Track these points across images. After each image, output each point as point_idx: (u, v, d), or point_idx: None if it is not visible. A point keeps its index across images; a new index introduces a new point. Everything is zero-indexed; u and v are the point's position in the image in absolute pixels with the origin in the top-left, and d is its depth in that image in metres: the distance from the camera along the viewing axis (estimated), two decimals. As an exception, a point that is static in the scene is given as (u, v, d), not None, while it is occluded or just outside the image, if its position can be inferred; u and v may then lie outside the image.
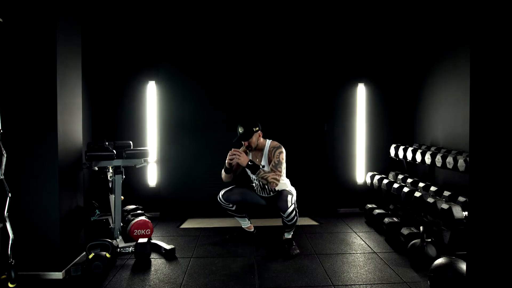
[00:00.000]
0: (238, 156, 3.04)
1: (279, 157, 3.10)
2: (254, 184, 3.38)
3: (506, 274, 1.47)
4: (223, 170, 3.28)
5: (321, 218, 4.29)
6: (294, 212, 3.10)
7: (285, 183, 3.25)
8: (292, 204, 3.08)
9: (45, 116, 2.64)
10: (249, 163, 3.06)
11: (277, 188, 3.21)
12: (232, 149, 3.12)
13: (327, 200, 4.54)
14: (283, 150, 3.15)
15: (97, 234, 3.48)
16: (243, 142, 3.19)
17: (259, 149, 3.24)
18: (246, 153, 3.33)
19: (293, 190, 3.25)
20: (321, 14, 4.46)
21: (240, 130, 3.12)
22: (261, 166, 3.18)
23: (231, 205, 3.35)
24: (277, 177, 3.05)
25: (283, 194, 3.10)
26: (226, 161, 3.14)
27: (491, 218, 1.56)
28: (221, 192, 3.36)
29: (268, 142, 3.23)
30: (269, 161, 3.17)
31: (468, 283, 1.72)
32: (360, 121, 4.56)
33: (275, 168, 3.07)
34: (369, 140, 4.59)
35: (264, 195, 3.35)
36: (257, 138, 3.19)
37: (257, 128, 3.16)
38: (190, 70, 4.42)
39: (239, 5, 4.40)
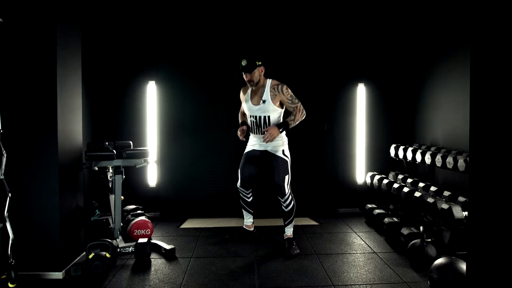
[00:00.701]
0: (272, 134, 3.01)
1: (289, 93, 3.14)
2: (249, 122, 3.29)
3: (506, 274, 1.47)
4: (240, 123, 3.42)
5: (321, 218, 4.29)
6: (290, 196, 3.20)
7: (282, 139, 3.22)
8: (288, 190, 3.18)
9: (45, 116, 2.64)
10: (280, 131, 3.07)
11: (273, 142, 3.16)
12: (265, 130, 3.06)
13: (327, 200, 4.54)
14: (286, 85, 3.16)
15: (97, 234, 3.48)
16: (245, 75, 3.13)
17: (260, 87, 3.19)
18: (245, 92, 3.30)
19: (287, 153, 3.24)
20: (321, 14, 4.46)
21: (243, 62, 3.09)
22: (262, 102, 3.13)
23: (249, 195, 3.44)
24: (301, 110, 3.16)
25: (279, 168, 3.14)
26: (240, 135, 3.24)
27: (491, 218, 1.56)
28: (238, 183, 3.44)
29: (269, 80, 3.20)
30: (272, 97, 3.12)
31: (468, 283, 1.72)
32: (360, 121, 4.56)
33: (293, 104, 3.13)
34: (369, 140, 4.59)
35: (258, 133, 3.25)
36: (260, 73, 3.14)
37: (260, 63, 3.13)
38: (190, 70, 4.42)
39: (239, 5, 4.39)
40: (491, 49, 1.56)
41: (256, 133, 3.27)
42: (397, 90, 4.58)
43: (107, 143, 3.16)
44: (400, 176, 3.91)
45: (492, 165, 1.54)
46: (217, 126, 4.43)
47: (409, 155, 3.83)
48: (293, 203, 3.23)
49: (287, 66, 4.46)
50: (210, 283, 2.57)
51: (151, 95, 4.41)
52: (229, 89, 4.41)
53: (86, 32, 3.70)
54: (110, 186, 3.24)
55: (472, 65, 1.67)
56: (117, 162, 3.13)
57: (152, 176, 4.44)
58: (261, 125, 3.20)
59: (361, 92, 4.55)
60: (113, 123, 4.40)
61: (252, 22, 4.44)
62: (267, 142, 3.07)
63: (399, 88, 4.58)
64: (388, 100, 4.60)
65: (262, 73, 3.19)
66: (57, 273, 2.66)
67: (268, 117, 3.15)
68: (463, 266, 2.22)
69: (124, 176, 3.22)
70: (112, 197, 3.22)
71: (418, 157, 3.63)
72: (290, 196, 3.21)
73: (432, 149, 3.65)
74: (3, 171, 2.32)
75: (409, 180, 3.69)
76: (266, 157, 3.26)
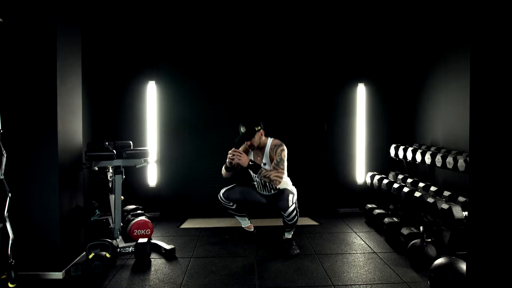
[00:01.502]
0: (239, 157, 3.04)
1: (281, 155, 3.10)
2: (255, 182, 3.38)
3: (506, 274, 1.47)
4: (223, 167, 3.29)
5: (321, 218, 4.29)
6: (295, 211, 3.10)
7: (286, 182, 3.25)
8: (293, 203, 3.07)
9: (45, 116, 2.64)
10: (250, 163, 3.06)
11: (278, 187, 3.20)
12: (233, 148, 3.11)
13: (327, 200, 4.54)
14: (285, 148, 3.15)
15: (97, 234, 3.48)
16: (245, 142, 3.18)
17: (261, 147, 3.23)
18: (247, 152, 3.32)
19: (294, 189, 3.25)
20: (321, 14, 4.46)
21: (242, 129, 3.11)
22: (262, 165, 3.18)
23: (231, 204, 3.37)
24: (280, 175, 3.06)
25: (284, 193, 3.10)
26: (227, 160, 3.14)
27: (491, 218, 1.56)
28: (222, 191, 3.37)
29: (270, 140, 3.23)
30: (271, 160, 3.16)
31: (468, 283, 1.72)
32: (360, 121, 4.56)
33: (277, 166, 3.08)
34: (369, 140, 4.59)
35: (265, 193, 3.35)
36: (259, 137, 3.18)
37: (259, 127, 3.15)
38: (190, 70, 4.42)
39: (239, 5, 4.39)
40: (491, 49, 1.56)
41: (262, 191, 3.37)
42: (397, 90, 4.58)
43: (107, 143, 3.16)
44: (400, 176, 3.91)
45: (492, 165, 1.54)
46: (217, 126, 4.43)
47: (409, 155, 3.83)
48: (297, 217, 3.14)
49: (288, 66, 4.46)
50: (210, 283, 2.57)
51: (151, 95, 4.41)
52: (229, 89, 4.42)
53: (86, 32, 3.70)
54: (110, 186, 3.24)
55: (472, 65, 1.67)
56: (117, 162, 3.13)
57: (152, 176, 4.44)
58: (267, 185, 3.28)
59: (361, 92, 4.55)
60: (113, 123, 4.40)
61: (252, 22, 4.44)
62: (230, 157, 3.06)
63: (399, 88, 4.58)
64: (388, 100, 4.60)
65: (262, 136, 3.20)
66: (57, 273, 2.66)
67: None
68: (463, 266, 2.22)
69: (124, 176, 3.22)
70: (112, 197, 3.22)
71: (418, 157, 3.63)
72: (295, 212, 3.10)
73: (432, 149, 3.65)
74: (3, 171, 2.31)
75: (409, 180, 3.69)
76: (272, 196, 3.33)
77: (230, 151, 3.09)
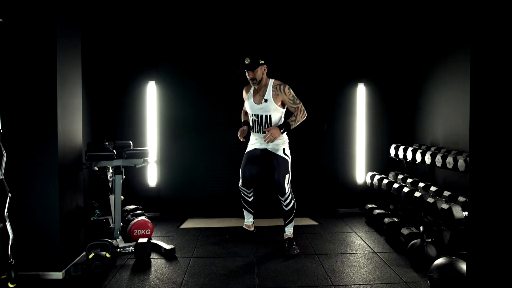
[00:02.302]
0: (273, 134, 3.04)
1: (290, 93, 3.14)
2: (250, 120, 3.29)
3: (506, 274, 1.47)
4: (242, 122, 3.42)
5: (321, 218, 4.29)
6: (290, 195, 3.21)
7: (283, 138, 3.23)
8: (288, 189, 3.19)
9: (45, 116, 2.64)
10: (281, 131, 3.08)
11: (275, 142, 3.17)
12: (265, 130, 3.07)
13: (327, 200, 4.54)
14: (288, 86, 3.16)
15: (97, 234, 3.48)
16: (248, 73, 3.13)
17: (262, 86, 3.20)
18: (248, 91, 3.31)
19: (288, 152, 3.25)
20: (321, 14, 4.46)
21: (246, 60, 3.09)
22: (263, 101, 3.14)
23: (250, 194, 3.46)
24: (303, 111, 3.16)
25: (280, 167, 3.16)
26: (241, 136, 3.26)
27: (491, 218, 1.56)
28: (239, 183, 3.44)
29: (271, 80, 3.21)
30: (273, 97, 3.13)
31: (468, 283, 1.72)
32: (360, 121, 4.56)
33: (294, 104, 3.14)
34: (369, 140, 4.59)
35: (259, 132, 3.25)
36: (262, 72, 3.15)
37: (263, 61, 3.14)
38: (190, 70, 4.42)
39: (240, 5, 4.39)
40: (491, 49, 1.56)
41: (257, 132, 3.26)
42: (397, 90, 4.58)
43: (107, 143, 3.16)
44: (400, 176, 3.91)
45: (492, 165, 1.54)
46: (217, 126, 4.43)
47: (409, 155, 3.83)
48: (293, 202, 3.23)
49: (288, 66, 4.45)
50: (210, 283, 2.57)
51: (151, 95, 4.41)
52: (229, 89, 4.42)
53: (86, 32, 3.70)
54: (110, 186, 3.24)
55: (472, 65, 1.68)
56: (117, 162, 3.13)
57: (152, 176, 4.44)
58: (263, 124, 3.21)
59: (361, 92, 4.55)
60: (113, 123, 4.40)
61: (252, 22, 4.44)
62: (267, 142, 3.08)
63: (399, 88, 4.58)
64: (388, 100, 4.59)
65: (265, 72, 3.19)
66: (57, 273, 2.66)
67: (270, 116, 3.15)
68: (463, 266, 2.22)
69: (124, 176, 3.22)
70: (112, 197, 3.22)
71: (418, 157, 3.63)
72: (291, 195, 3.21)
73: (432, 149, 3.65)
74: (3, 171, 2.31)
75: (409, 180, 3.69)
76: (267, 156, 3.26)
77: (266, 134, 3.05)
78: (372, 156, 4.59)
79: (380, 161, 4.59)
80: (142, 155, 3.21)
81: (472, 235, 1.67)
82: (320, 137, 4.51)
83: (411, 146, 3.94)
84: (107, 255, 2.74)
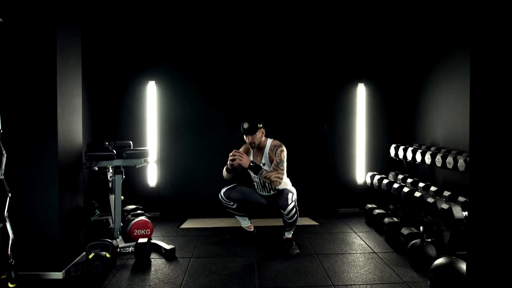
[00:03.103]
0: (240, 158, 3.05)
1: (280, 156, 3.11)
2: (255, 183, 3.38)
3: (506, 274, 1.47)
4: (224, 169, 3.29)
5: (321, 218, 4.29)
6: (294, 209, 3.10)
7: (285, 182, 3.25)
8: (292, 201, 3.08)
9: (45, 116, 2.64)
10: (250, 164, 3.06)
11: (278, 187, 3.21)
12: (234, 150, 3.12)
13: (327, 200, 4.54)
14: (284, 149, 3.16)
15: (97, 234, 3.48)
16: (247, 138, 3.17)
17: (260, 148, 3.25)
18: (248, 153, 3.33)
19: (293, 189, 3.26)
20: (321, 14, 4.46)
21: (245, 125, 3.12)
22: (261, 165, 3.19)
23: (232, 203, 3.37)
24: (280, 176, 3.07)
25: (283, 192, 3.11)
26: (228, 162, 3.14)
27: (491, 218, 1.56)
28: (223, 190, 3.38)
29: (269, 141, 3.25)
30: (270, 160, 3.17)
31: (468, 283, 1.72)
32: (360, 121, 4.56)
33: (277, 167, 3.09)
34: (369, 140, 4.59)
35: (264, 193, 3.36)
36: (261, 135, 3.20)
37: (261, 125, 3.18)
38: (190, 70, 4.42)
39: (240, 5, 4.39)
40: (491, 49, 1.56)
41: (262, 192, 3.38)
42: (397, 90, 4.58)
43: (107, 143, 3.16)
44: (400, 176, 3.91)
45: (492, 165, 1.54)
46: (217, 126, 4.43)
47: (409, 155, 3.83)
48: (297, 216, 3.14)
49: (288, 66, 4.46)
50: (210, 283, 2.57)
51: (151, 95, 4.41)
52: (229, 88, 4.42)
53: (86, 32, 3.70)
54: (110, 186, 3.24)
55: (472, 65, 1.67)
56: (117, 162, 3.13)
57: (152, 176, 4.44)
58: (266, 185, 3.30)
59: (361, 92, 4.55)
60: (113, 123, 4.40)
61: (252, 22, 4.44)
62: (231, 158, 3.06)
63: (399, 88, 4.58)
64: (388, 100, 4.60)
65: (263, 135, 3.23)
66: (57, 273, 2.66)
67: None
68: (463, 266, 2.22)
69: (124, 176, 3.22)
70: (112, 197, 3.22)
71: (418, 157, 3.63)
72: (294, 209, 3.10)
73: (432, 149, 3.65)
74: (3, 171, 2.31)
75: (409, 180, 3.69)
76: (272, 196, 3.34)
77: (231, 153, 3.09)
78: (372, 156, 4.59)
79: (380, 161, 4.59)
80: (142, 155, 3.21)
81: (472, 235, 1.67)
82: (320, 137, 4.51)
83: (411, 146, 3.94)
84: (107, 255, 2.74)
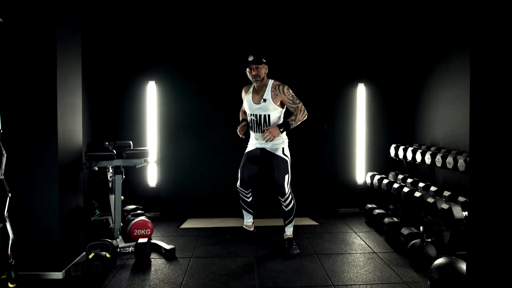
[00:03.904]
0: (271, 134, 3.04)
1: (290, 93, 3.15)
2: (249, 120, 3.29)
3: (506, 274, 1.47)
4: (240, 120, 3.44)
5: (321, 218, 4.29)
6: (290, 196, 3.20)
7: (282, 138, 3.23)
8: (288, 189, 3.18)
9: (45, 116, 2.64)
10: (281, 130, 3.08)
11: (273, 141, 3.17)
12: (265, 129, 3.08)
13: (327, 200, 4.54)
14: (288, 86, 3.18)
15: (97, 234, 3.48)
16: (252, 70, 3.12)
17: (262, 86, 3.21)
18: (246, 93, 3.32)
19: (287, 153, 3.25)
20: (321, 14, 4.46)
21: (250, 58, 3.11)
22: (262, 101, 3.14)
23: (249, 195, 3.45)
24: (302, 110, 3.15)
25: (280, 168, 3.16)
26: (240, 133, 3.29)
27: (491, 218, 1.56)
28: (237, 183, 3.45)
29: (271, 81, 3.22)
30: (273, 96, 3.13)
31: (468, 283, 1.72)
32: (360, 121, 4.56)
33: (294, 104, 3.14)
34: (369, 140, 4.59)
35: (258, 132, 3.26)
36: (264, 71, 3.19)
37: (265, 61, 3.17)
38: (190, 70, 4.42)
39: (240, 5, 4.39)
40: (491, 49, 1.56)
41: (256, 132, 3.27)
42: (397, 90, 4.58)
43: (107, 143, 3.16)
44: (400, 176, 3.91)
45: (492, 165, 1.54)
46: (217, 126, 4.43)
47: (409, 155, 3.83)
48: (293, 203, 3.23)
49: (288, 66, 4.45)
50: (210, 283, 2.57)
51: (151, 95, 4.41)
52: (229, 89, 4.42)
53: (86, 32, 3.70)
54: (110, 186, 3.24)
55: (472, 65, 1.67)
56: (117, 162, 3.13)
57: (152, 176, 4.44)
58: (261, 124, 3.21)
59: (361, 92, 4.55)
60: (113, 123, 4.40)
61: (252, 22, 4.44)
62: (266, 141, 3.08)
63: (399, 88, 4.58)
64: (388, 100, 4.59)
65: (266, 72, 3.21)
66: (57, 273, 2.66)
67: (269, 116, 3.15)
68: (463, 266, 2.22)
69: (124, 176, 3.22)
70: (112, 197, 3.22)
71: (418, 157, 3.63)
72: (290, 196, 3.21)
73: (432, 149, 3.65)
74: (3, 171, 2.31)
75: (409, 180, 3.69)
76: (266, 156, 3.26)
77: (265, 133, 3.05)
78: (372, 156, 4.59)
79: (380, 161, 4.59)
80: (142, 155, 3.21)
81: (472, 235, 1.67)
82: (320, 137, 4.51)
83: (411, 146, 3.94)
84: (107, 255, 2.74)
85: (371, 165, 4.58)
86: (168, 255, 3.09)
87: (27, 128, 2.63)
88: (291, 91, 3.15)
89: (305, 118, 3.19)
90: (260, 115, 3.17)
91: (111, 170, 3.20)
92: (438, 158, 3.28)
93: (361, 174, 4.58)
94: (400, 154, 4.03)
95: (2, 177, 2.31)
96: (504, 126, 1.47)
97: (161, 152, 4.41)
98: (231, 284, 2.56)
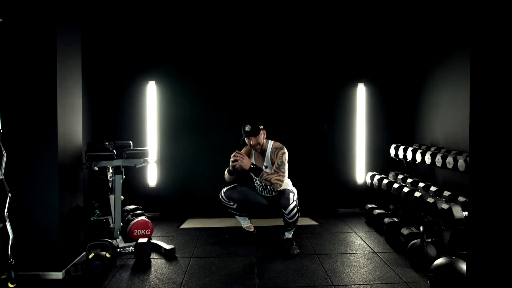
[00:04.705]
0: (242, 159, 3.04)
1: (281, 158, 3.11)
2: (256, 184, 3.38)
3: (506, 274, 1.47)
4: (226, 171, 3.28)
5: (321, 218, 4.29)
6: (295, 209, 3.09)
7: (287, 183, 3.25)
8: (293, 201, 3.07)
9: (45, 116, 2.64)
10: (251, 166, 3.06)
11: (279, 189, 3.20)
12: (235, 151, 3.10)
13: (327, 200, 4.54)
14: (286, 151, 3.16)
15: (97, 234, 3.48)
16: (250, 140, 3.15)
17: (262, 151, 3.25)
18: (249, 155, 3.32)
19: (294, 189, 3.25)
20: (321, 14, 4.46)
21: (247, 128, 3.11)
22: (263, 168, 3.18)
23: (232, 203, 3.37)
24: (281, 178, 3.07)
25: (285, 192, 3.10)
26: (230, 164, 3.14)
27: (491, 218, 1.56)
28: (223, 190, 3.37)
29: (271, 142, 3.24)
30: (272, 162, 3.17)
31: (468, 283, 1.72)
32: (360, 121, 4.56)
33: (279, 169, 3.09)
34: (369, 140, 4.59)
35: (266, 194, 3.36)
36: (263, 137, 3.20)
37: (262, 127, 3.18)
38: (190, 70, 4.42)
39: (240, 5, 4.39)
40: (491, 49, 1.56)
41: (263, 193, 3.37)
42: (397, 90, 4.58)
43: (107, 143, 3.16)
44: (400, 176, 3.91)
45: (492, 165, 1.54)
46: (217, 126, 4.43)
47: (409, 155, 3.83)
48: (298, 216, 3.13)
49: (288, 66, 4.46)
50: (210, 283, 2.57)
51: (151, 95, 4.41)
52: (229, 89, 4.42)
53: (86, 32, 3.70)
54: (110, 186, 3.24)
55: (472, 65, 1.67)
56: (117, 162, 3.13)
57: (152, 176, 4.44)
58: (267, 187, 3.29)
59: (361, 92, 4.55)
60: (113, 123, 4.40)
61: (252, 22, 4.44)
62: (232, 159, 3.05)
63: (399, 88, 4.58)
64: (388, 100, 4.60)
65: (264, 137, 3.22)
66: (57, 273, 2.66)
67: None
68: (463, 266, 2.22)
69: (124, 176, 3.22)
70: (112, 197, 3.22)
71: (418, 157, 3.63)
72: (295, 209, 3.09)
73: (432, 149, 3.65)
74: (3, 171, 2.31)
75: (409, 180, 3.69)
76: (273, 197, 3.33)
77: (232, 154, 3.09)
78: (372, 156, 4.59)
79: (380, 161, 4.59)
80: (142, 155, 3.21)
81: (472, 235, 1.67)
82: (320, 137, 4.51)
83: (411, 146, 3.94)
84: (107, 255, 2.74)
85: (371, 165, 4.58)
86: (168, 255, 3.09)
87: (27, 128, 2.63)
88: (285, 157, 3.13)
89: (275, 186, 3.07)
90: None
91: (111, 170, 3.20)
92: (438, 158, 3.28)
93: (361, 174, 4.58)
94: (400, 154, 4.03)
95: (2, 177, 2.31)
96: (504, 126, 1.47)
97: (161, 152, 4.41)
98: (231, 284, 2.56)
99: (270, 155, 3.19)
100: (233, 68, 4.44)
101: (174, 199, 4.44)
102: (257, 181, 3.32)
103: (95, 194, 4.14)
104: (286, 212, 3.07)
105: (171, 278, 2.67)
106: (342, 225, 4.01)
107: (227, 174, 3.27)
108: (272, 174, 3.08)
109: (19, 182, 2.62)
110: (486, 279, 1.60)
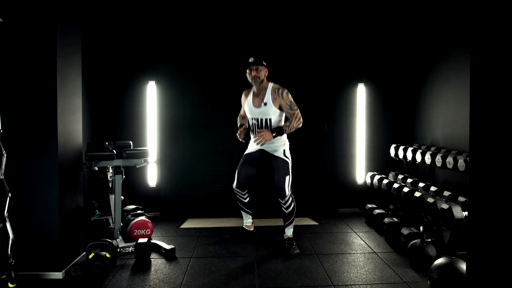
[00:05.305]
0: (264, 137, 3.03)
1: (288, 98, 3.14)
2: (250, 123, 3.30)
3: (506, 274, 1.47)
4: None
5: (321, 218, 4.29)
6: (290, 198, 3.17)
7: (284, 141, 3.24)
8: (288, 186, 3.15)
9: (45, 116, 2.64)
10: (273, 135, 3.07)
11: (274, 143, 3.18)
12: (257, 132, 3.13)
13: (327, 200, 4.54)
14: (287, 90, 3.17)
15: (97, 234, 3.48)
16: (252, 71, 3.14)
17: (262, 89, 3.21)
18: (247, 96, 3.33)
19: (288, 155, 3.23)
20: (321, 14, 4.46)
21: (251, 59, 3.13)
22: (263, 105, 3.14)
23: (245, 196, 3.43)
24: (298, 117, 3.12)
25: (280, 169, 3.13)
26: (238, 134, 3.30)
27: (491, 218, 1.56)
28: (234, 184, 3.42)
29: (271, 84, 3.23)
30: (273, 100, 3.14)
31: (468, 283, 1.72)
32: (360, 121, 4.56)
33: (291, 110, 3.12)
34: (369, 140, 4.59)
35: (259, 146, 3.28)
36: (264, 73, 3.20)
37: (265, 63, 3.18)
38: (190, 70, 4.42)
39: (240, 5, 4.39)
40: (491, 49, 1.56)
41: (257, 131, 3.27)
42: (397, 90, 4.58)
43: (107, 143, 3.16)
44: (400, 176, 3.91)
45: (492, 165, 1.54)
46: (217, 126, 4.43)
47: (409, 155, 3.83)
48: (294, 205, 3.22)
49: (288, 66, 4.45)
50: (210, 283, 2.57)
51: (151, 95, 4.41)
52: (229, 89, 4.42)
53: (86, 32, 3.70)
54: (110, 186, 3.24)
55: (472, 65, 1.68)
56: (117, 162, 3.13)
57: (152, 176, 4.44)
58: (262, 128, 3.21)
59: (361, 92, 4.55)
60: (113, 123, 4.40)
61: (252, 22, 4.44)
62: (257, 144, 3.08)
63: (399, 88, 4.58)
64: (388, 100, 4.59)
65: (266, 74, 3.21)
66: (57, 273, 2.66)
67: (270, 119, 3.16)
68: (463, 266, 2.22)
69: (124, 176, 3.22)
70: (112, 197, 3.22)
71: (418, 157, 3.63)
72: (291, 198, 3.19)
73: (432, 149, 3.65)
74: (3, 171, 2.32)
75: (409, 180, 3.69)
76: (266, 158, 3.26)
77: (256, 137, 3.07)
78: (372, 156, 4.59)
79: (380, 161, 4.59)
80: (142, 155, 3.21)
81: (472, 235, 1.67)
82: (320, 137, 4.51)
83: (411, 146, 3.94)
84: (107, 255, 2.74)
85: (371, 165, 4.58)
86: (168, 255, 3.09)
87: (27, 128, 2.63)
88: (290, 96, 3.14)
89: (300, 126, 3.15)
90: (261, 119, 3.17)
91: (111, 170, 3.20)
92: (438, 158, 3.28)
93: (361, 174, 4.58)
94: (400, 154, 4.03)
95: (2, 177, 2.31)
96: (504, 126, 1.47)
97: (161, 152, 4.41)
98: (231, 284, 2.56)
99: (271, 94, 3.15)
100: (233, 68, 4.43)
101: (174, 199, 4.44)
102: (253, 121, 3.25)
103: (95, 194, 4.14)
104: (283, 201, 3.14)
105: (171, 278, 2.67)
106: (342, 225, 4.01)
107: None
108: (290, 122, 3.11)
109: (19, 182, 2.62)
110: (486, 279, 1.60)
